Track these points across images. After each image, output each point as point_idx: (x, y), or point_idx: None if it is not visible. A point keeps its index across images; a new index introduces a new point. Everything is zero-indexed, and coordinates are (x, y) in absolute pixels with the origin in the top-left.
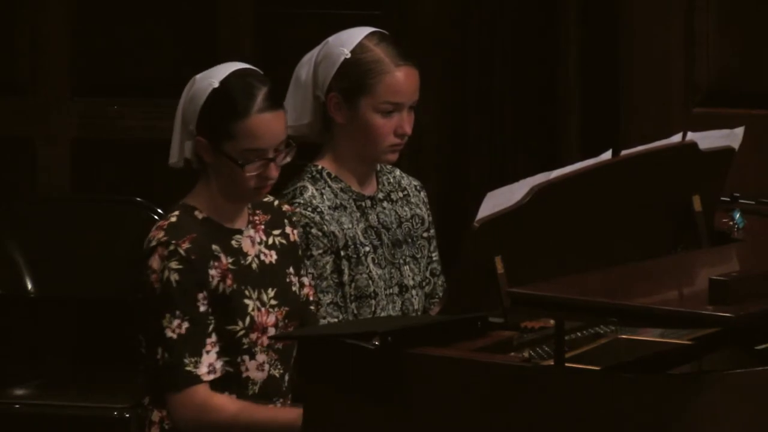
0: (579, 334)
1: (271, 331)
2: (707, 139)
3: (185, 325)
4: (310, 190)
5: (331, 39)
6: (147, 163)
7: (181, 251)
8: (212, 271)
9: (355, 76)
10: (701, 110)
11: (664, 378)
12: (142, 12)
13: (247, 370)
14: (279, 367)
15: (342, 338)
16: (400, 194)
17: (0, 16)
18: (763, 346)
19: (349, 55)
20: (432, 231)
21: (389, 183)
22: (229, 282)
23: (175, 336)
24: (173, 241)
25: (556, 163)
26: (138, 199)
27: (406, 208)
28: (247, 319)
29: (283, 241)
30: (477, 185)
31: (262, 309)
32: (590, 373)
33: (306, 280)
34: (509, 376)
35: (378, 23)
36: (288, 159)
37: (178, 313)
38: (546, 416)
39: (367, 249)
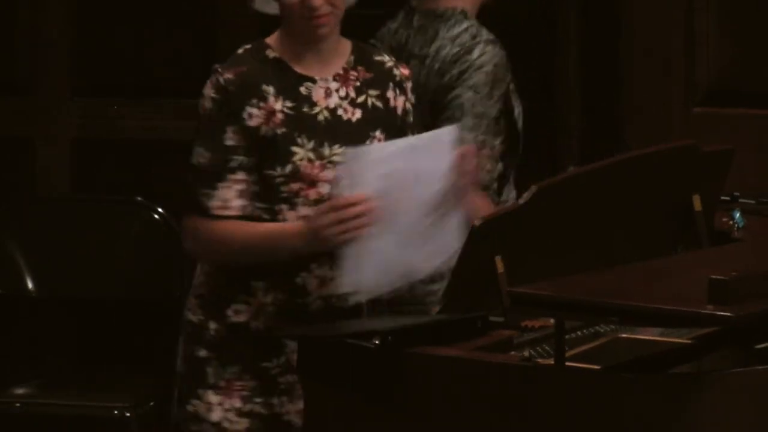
0: (579, 333)
1: (326, 187)
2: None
3: (207, 154)
4: None
5: None
6: (147, 163)
7: (221, 80)
8: (251, 110)
9: None
10: (701, 110)
11: (664, 378)
12: (143, 12)
13: (284, 220)
14: None
15: (342, 338)
16: None
17: (0, 16)
18: (763, 346)
19: None
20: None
21: None
22: (274, 124)
23: (197, 164)
24: (219, 69)
25: (556, 162)
26: (138, 199)
27: None
28: (289, 167)
29: (378, 104)
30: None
31: (316, 162)
32: (590, 372)
33: None
34: (509, 375)
35: (378, 23)
36: None
37: (202, 141)
38: (546, 415)
39: None
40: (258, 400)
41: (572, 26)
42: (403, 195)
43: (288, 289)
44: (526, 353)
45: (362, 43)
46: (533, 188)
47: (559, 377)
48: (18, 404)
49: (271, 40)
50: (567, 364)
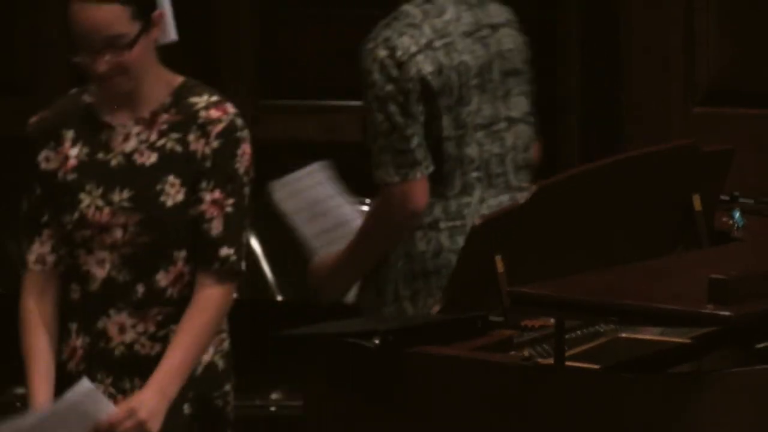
0: (579, 332)
1: (117, 233)
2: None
3: (25, 204)
4: None
5: None
6: None
7: (30, 128)
8: (47, 153)
9: None
10: (701, 110)
11: (664, 377)
12: None
13: (86, 264)
14: (124, 272)
15: (342, 338)
16: None
17: (0, 16)
18: (763, 346)
19: None
20: None
21: None
22: (66, 171)
23: (21, 214)
24: (37, 113)
25: (556, 163)
26: None
27: None
28: (76, 214)
29: (177, 148)
30: None
31: (106, 208)
32: (590, 372)
33: (209, 197)
34: (509, 374)
35: (377, 24)
36: (126, 57)
37: (24, 191)
38: (546, 415)
39: None
40: None
41: (572, 25)
42: None
43: (92, 333)
44: (526, 353)
45: (192, 81)
46: (533, 188)
47: (559, 377)
48: (18, 404)
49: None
50: (567, 363)
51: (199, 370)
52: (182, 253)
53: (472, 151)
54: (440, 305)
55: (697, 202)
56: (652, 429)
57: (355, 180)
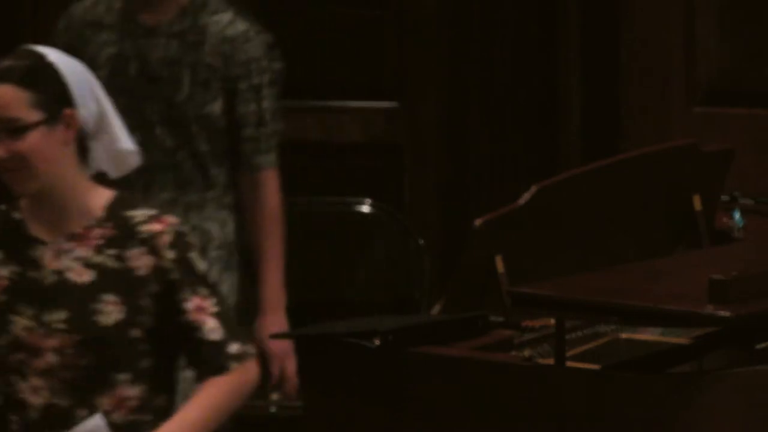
0: (579, 333)
1: (52, 357)
2: None
3: None
4: None
5: None
6: None
7: None
8: None
9: None
10: (701, 110)
11: (664, 378)
12: None
13: (21, 391)
14: (65, 397)
15: (342, 337)
16: None
17: (0, 16)
18: (763, 346)
19: None
20: None
21: None
22: None
23: None
24: None
25: (556, 163)
26: None
27: None
28: (9, 337)
29: (114, 265)
30: (477, 186)
31: (40, 330)
32: (591, 372)
33: (191, 305)
34: (510, 375)
35: (378, 23)
36: (20, 144)
37: None
38: (546, 415)
39: None
40: None
41: (572, 26)
42: None
43: None
44: (526, 353)
45: (125, 194)
46: (533, 188)
47: (559, 377)
48: None
49: (24, 200)
50: (567, 363)
51: None
52: (123, 376)
53: None
54: (440, 305)
55: (697, 202)
56: (652, 429)
57: (356, 180)
